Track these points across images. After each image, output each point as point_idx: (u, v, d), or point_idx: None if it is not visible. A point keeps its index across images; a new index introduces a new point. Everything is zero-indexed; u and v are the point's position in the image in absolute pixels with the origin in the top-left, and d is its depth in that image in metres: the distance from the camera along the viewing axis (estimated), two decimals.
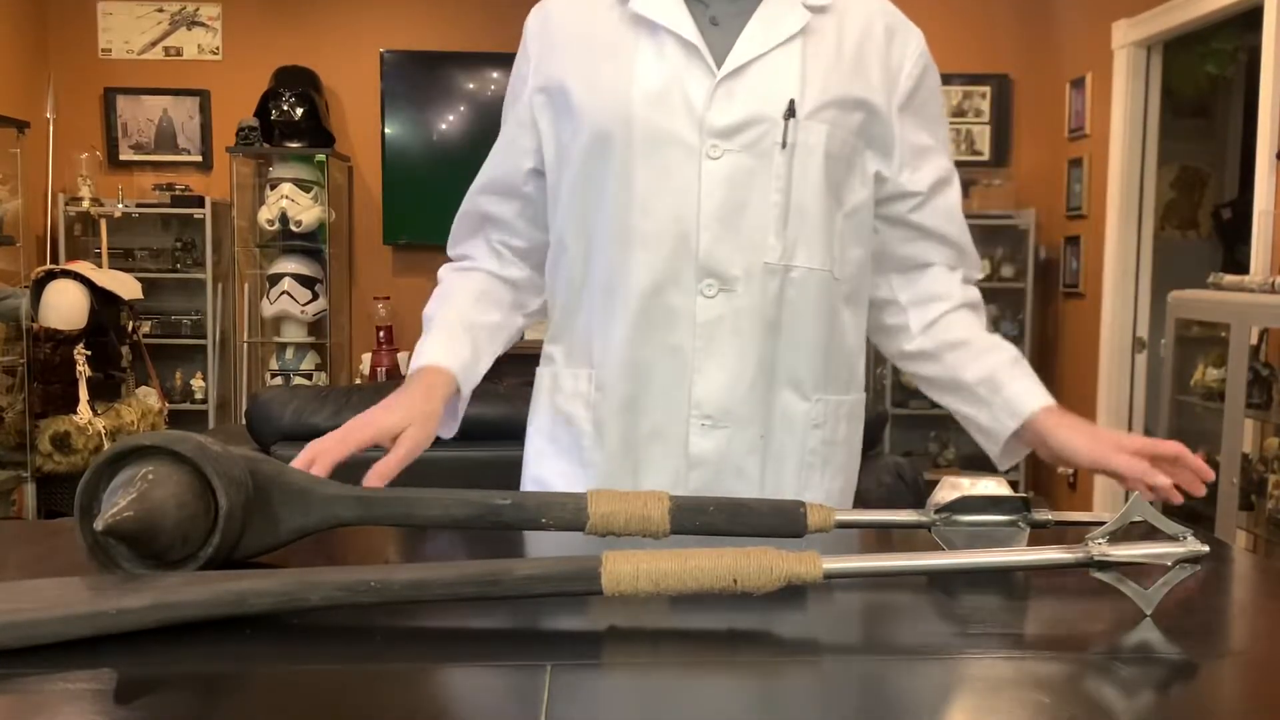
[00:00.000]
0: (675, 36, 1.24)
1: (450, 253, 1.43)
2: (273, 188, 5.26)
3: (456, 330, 1.31)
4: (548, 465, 1.35)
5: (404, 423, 1.17)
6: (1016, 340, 5.31)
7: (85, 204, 5.17)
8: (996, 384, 1.29)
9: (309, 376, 5.37)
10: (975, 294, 1.39)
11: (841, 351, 1.32)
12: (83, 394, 4.24)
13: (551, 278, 1.36)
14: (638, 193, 1.24)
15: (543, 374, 1.38)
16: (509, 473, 1.40)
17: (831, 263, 1.28)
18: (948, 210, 1.36)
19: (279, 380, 5.32)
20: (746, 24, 1.25)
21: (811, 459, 1.30)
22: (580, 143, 1.27)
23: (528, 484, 1.37)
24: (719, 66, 1.24)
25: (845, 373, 1.34)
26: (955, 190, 1.37)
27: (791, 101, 1.23)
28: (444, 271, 1.42)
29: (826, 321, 1.29)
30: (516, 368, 1.45)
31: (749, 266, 1.24)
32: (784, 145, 1.23)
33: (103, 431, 4.23)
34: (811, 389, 1.29)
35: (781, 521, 0.96)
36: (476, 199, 1.40)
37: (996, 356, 1.31)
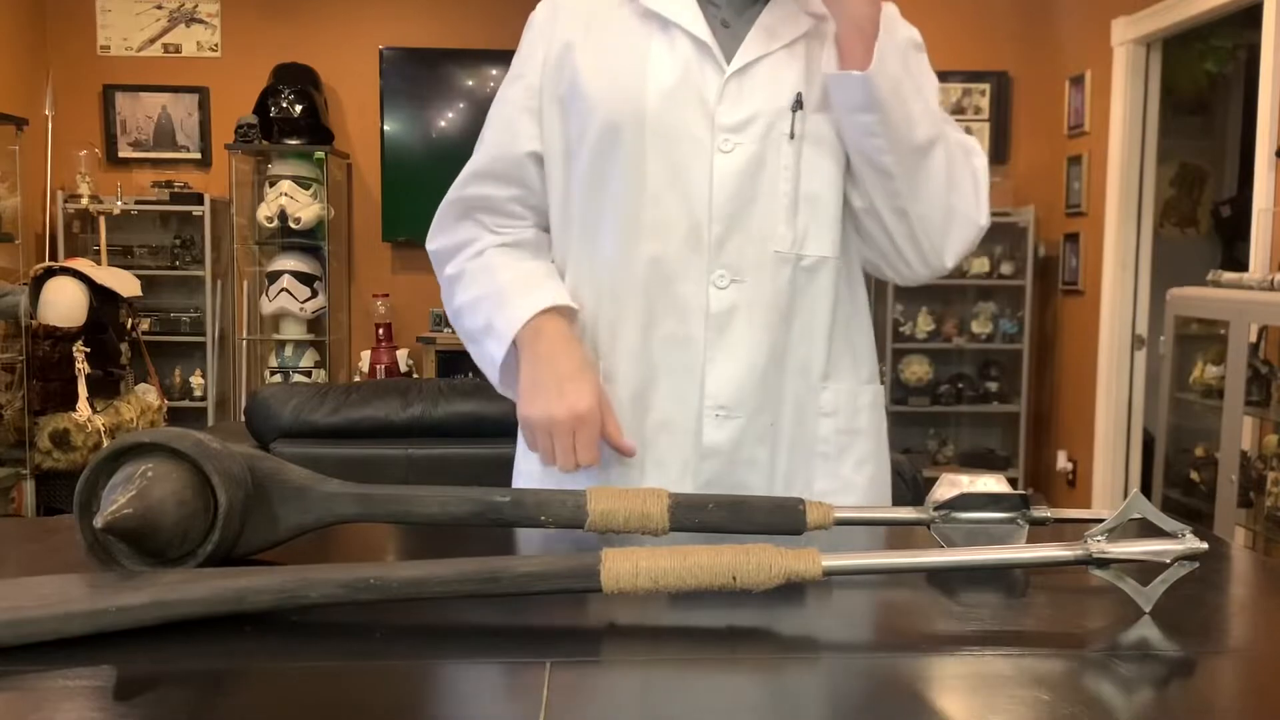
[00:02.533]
0: (687, 34, 1.26)
1: (434, 245, 1.36)
2: (271, 185, 5.26)
3: (533, 273, 1.28)
4: None
5: (596, 393, 1.23)
6: (1015, 338, 5.31)
7: (84, 201, 5.17)
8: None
9: (308, 374, 5.36)
10: None
11: (850, 340, 1.33)
12: (82, 391, 4.24)
13: (556, 270, 1.35)
14: (649, 185, 1.25)
15: None
16: (509, 470, 1.40)
17: (841, 251, 1.30)
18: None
19: (278, 377, 5.31)
20: (752, 27, 1.28)
21: (825, 448, 1.30)
22: (591, 134, 1.27)
23: (521, 478, 1.36)
24: (728, 64, 1.26)
25: (857, 362, 1.34)
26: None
27: (799, 94, 1.25)
28: (450, 266, 1.33)
29: (836, 310, 1.30)
30: None
31: (760, 257, 1.25)
32: (792, 136, 1.25)
33: (102, 429, 4.23)
34: (820, 377, 1.30)
35: (781, 518, 0.96)
36: (469, 187, 1.34)
37: None
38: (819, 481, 1.29)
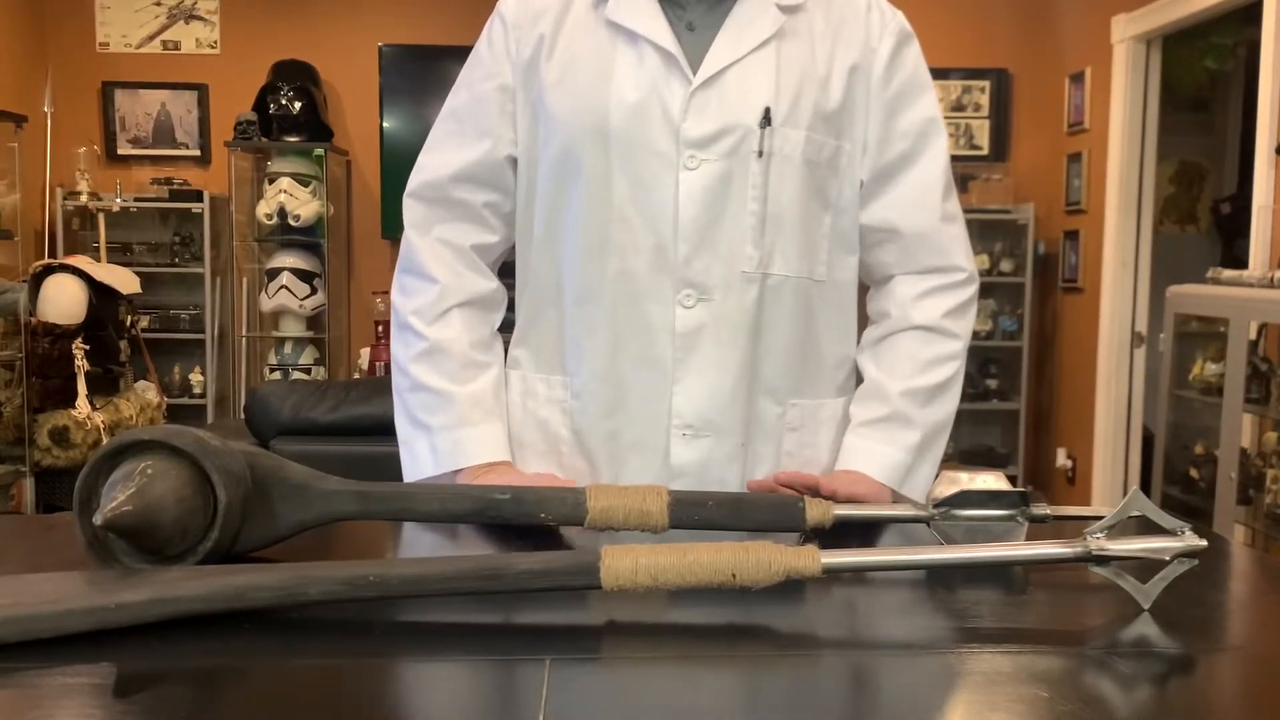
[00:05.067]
0: (653, 45, 1.22)
1: (413, 236, 1.33)
2: (271, 182, 5.25)
3: (481, 417, 1.28)
4: (524, 467, 1.32)
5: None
6: (1015, 335, 5.31)
7: (83, 198, 5.16)
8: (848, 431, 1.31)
9: (308, 371, 5.36)
10: (933, 311, 1.30)
11: (819, 355, 1.31)
12: (81, 388, 4.23)
13: (521, 278, 1.34)
14: (615, 203, 1.23)
15: (511, 376, 1.35)
16: None
17: (810, 268, 1.27)
18: (900, 198, 1.30)
19: (277, 375, 5.31)
20: (720, 29, 1.23)
21: (788, 462, 1.29)
22: (554, 148, 1.25)
23: None
24: (695, 73, 1.22)
25: (824, 377, 1.32)
26: (924, 170, 1.30)
27: (767, 110, 1.22)
28: (415, 319, 1.30)
29: (803, 327, 1.28)
30: None
31: (727, 276, 1.23)
32: (760, 154, 1.22)
33: (101, 426, 4.22)
34: (786, 394, 1.29)
35: (780, 517, 0.96)
36: (452, 189, 1.32)
37: (859, 409, 1.31)
38: None
